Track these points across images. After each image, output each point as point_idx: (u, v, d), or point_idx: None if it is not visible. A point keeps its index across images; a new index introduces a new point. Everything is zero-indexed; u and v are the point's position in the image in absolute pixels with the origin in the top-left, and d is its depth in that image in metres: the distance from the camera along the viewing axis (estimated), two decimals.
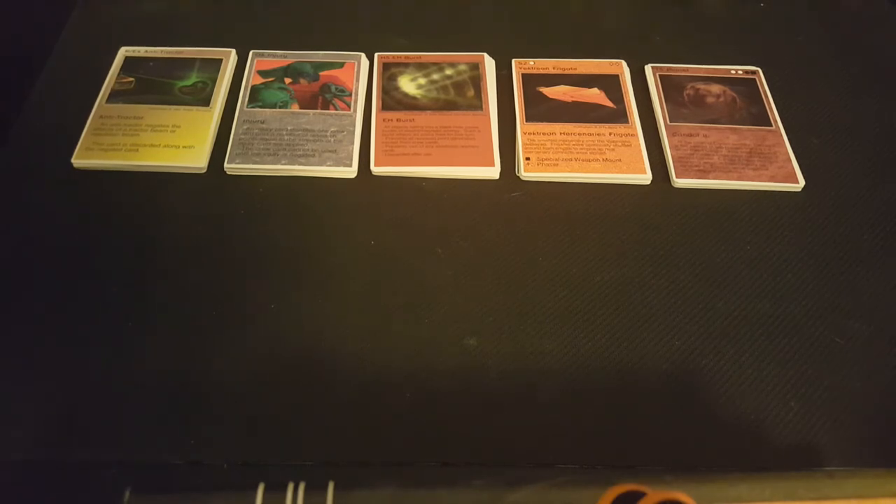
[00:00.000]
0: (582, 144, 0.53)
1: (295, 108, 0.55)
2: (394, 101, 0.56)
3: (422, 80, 0.57)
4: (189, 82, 0.56)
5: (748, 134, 0.54)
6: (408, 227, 0.49)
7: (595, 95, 0.57)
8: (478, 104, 0.56)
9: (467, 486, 0.37)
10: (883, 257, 0.48)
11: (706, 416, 0.41)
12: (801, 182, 0.52)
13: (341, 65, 0.58)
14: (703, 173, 0.52)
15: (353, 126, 0.54)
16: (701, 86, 0.57)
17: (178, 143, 0.52)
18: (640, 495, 0.34)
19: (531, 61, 0.59)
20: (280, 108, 0.55)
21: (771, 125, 0.55)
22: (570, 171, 0.52)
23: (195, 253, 0.47)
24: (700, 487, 0.37)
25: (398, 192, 0.51)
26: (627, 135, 0.54)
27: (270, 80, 0.57)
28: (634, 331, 0.44)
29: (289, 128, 0.54)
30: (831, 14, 0.65)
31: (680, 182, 0.52)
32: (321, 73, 0.57)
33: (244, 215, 0.49)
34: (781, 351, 0.44)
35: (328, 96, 0.56)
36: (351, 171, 0.52)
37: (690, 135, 0.54)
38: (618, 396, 0.42)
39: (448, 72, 0.58)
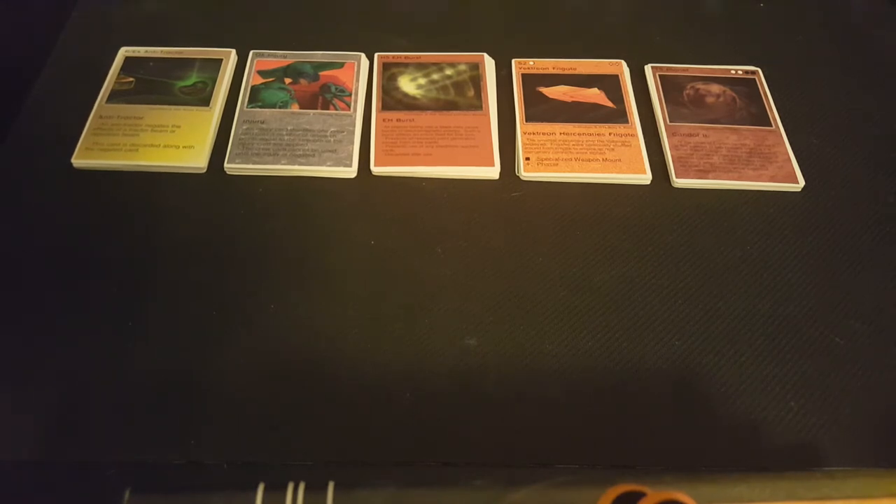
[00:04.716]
0: (582, 144, 0.53)
1: (295, 108, 0.55)
2: (394, 101, 0.56)
3: (422, 80, 0.57)
4: (189, 82, 0.56)
5: (748, 134, 0.54)
6: (407, 227, 0.49)
7: (595, 95, 0.56)
8: (478, 104, 0.56)
9: (467, 486, 0.37)
10: (883, 257, 0.48)
11: (706, 416, 0.41)
12: (801, 182, 0.52)
13: (341, 65, 0.58)
14: (703, 173, 0.52)
15: (353, 126, 0.54)
16: (701, 86, 0.57)
17: (178, 143, 0.52)
18: (640, 495, 0.34)
19: (531, 61, 0.59)
20: (280, 108, 0.55)
21: (771, 125, 0.55)
22: (569, 171, 0.52)
23: (195, 253, 0.47)
24: (700, 487, 0.37)
25: (398, 192, 0.51)
26: (627, 135, 0.54)
27: (270, 80, 0.57)
28: (634, 331, 0.44)
29: (289, 128, 0.54)
30: (831, 14, 0.65)
31: (680, 182, 0.52)
32: (321, 73, 0.57)
33: (244, 215, 0.49)
34: (781, 351, 0.44)
35: (328, 96, 0.56)
36: (351, 171, 0.52)
37: (690, 135, 0.54)
38: (618, 396, 0.42)
39: (448, 72, 0.58)
